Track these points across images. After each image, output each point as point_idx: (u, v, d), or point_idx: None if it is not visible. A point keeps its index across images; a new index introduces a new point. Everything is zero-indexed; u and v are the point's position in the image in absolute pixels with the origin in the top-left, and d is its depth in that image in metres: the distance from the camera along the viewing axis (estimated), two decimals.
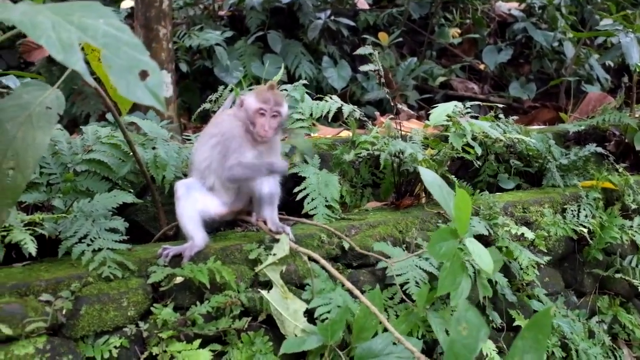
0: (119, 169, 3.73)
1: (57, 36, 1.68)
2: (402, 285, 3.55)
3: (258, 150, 3.41)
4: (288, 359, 3.21)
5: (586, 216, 4.80)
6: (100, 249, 3.08)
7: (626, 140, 5.88)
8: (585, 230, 4.67)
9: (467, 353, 1.72)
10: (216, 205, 3.47)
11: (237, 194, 3.52)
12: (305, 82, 4.75)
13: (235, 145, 3.37)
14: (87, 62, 3.04)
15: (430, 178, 2.90)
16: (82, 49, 2.87)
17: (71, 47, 1.70)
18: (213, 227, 3.84)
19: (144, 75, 1.80)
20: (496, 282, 4.01)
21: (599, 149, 5.28)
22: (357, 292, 3.16)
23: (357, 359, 3.11)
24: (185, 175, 3.73)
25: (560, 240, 4.73)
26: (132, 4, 7.85)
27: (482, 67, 9.74)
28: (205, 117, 5.25)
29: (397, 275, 3.55)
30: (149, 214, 3.99)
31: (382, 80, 4.35)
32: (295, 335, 3.16)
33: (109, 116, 5.84)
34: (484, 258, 2.93)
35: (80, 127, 3.97)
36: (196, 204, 3.39)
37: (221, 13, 9.26)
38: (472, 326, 1.73)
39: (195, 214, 3.37)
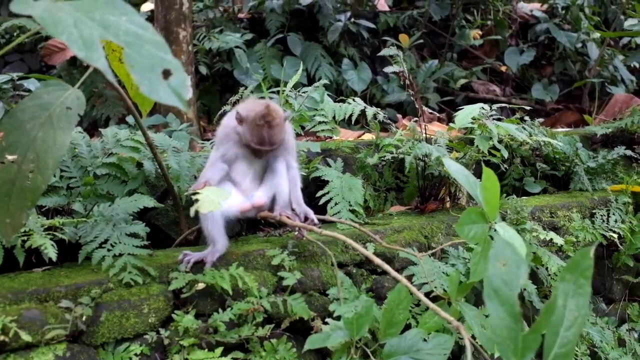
0: (137, 174, 3.67)
1: (79, 33, 1.63)
2: (428, 294, 3.45)
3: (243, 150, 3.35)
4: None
5: (616, 221, 4.69)
6: (120, 255, 3.02)
7: None
8: (615, 235, 4.55)
9: (508, 290, 1.61)
10: (240, 202, 3.38)
11: (259, 183, 3.44)
12: (326, 82, 4.67)
13: (225, 142, 3.36)
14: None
15: (455, 168, 2.79)
16: (103, 49, 2.83)
17: (93, 44, 1.64)
18: (234, 231, 3.79)
19: (166, 74, 1.74)
20: (524, 289, 3.90)
21: (628, 152, 5.16)
22: (386, 266, 2.99)
23: (385, 356, 2.96)
24: None
25: (588, 246, 4.60)
26: (152, 6, 7.84)
27: (503, 69, 9.62)
28: None
29: (423, 284, 3.45)
30: (169, 218, 3.94)
31: (407, 81, 4.26)
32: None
33: (129, 119, 5.82)
34: (516, 242, 2.78)
35: (100, 129, 3.91)
36: None
37: (241, 15, 9.23)
38: (510, 262, 1.63)
39: (217, 216, 3.30)
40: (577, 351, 4.10)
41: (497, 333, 1.59)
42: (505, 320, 1.59)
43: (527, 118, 5.09)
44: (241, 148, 3.33)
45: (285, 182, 3.39)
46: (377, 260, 2.97)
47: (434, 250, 3.67)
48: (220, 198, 2.93)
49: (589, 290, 1.59)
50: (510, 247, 1.67)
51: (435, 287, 3.43)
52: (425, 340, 2.95)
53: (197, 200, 2.91)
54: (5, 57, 8.63)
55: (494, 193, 2.64)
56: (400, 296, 2.97)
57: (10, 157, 2.17)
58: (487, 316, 3.44)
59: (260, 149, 3.21)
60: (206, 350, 2.95)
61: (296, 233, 3.49)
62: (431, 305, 2.67)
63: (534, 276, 4.10)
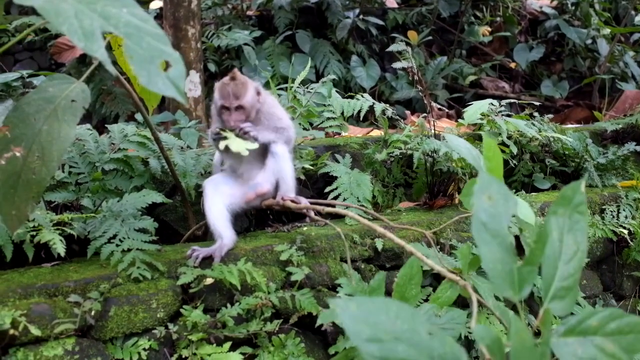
0: (144, 171, 3.69)
1: (80, 24, 1.63)
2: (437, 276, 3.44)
3: None
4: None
5: (626, 217, 4.65)
6: (129, 250, 3.03)
7: None
8: (626, 231, 4.52)
9: (496, 223, 1.56)
10: (243, 192, 3.40)
11: (261, 168, 3.45)
12: (333, 77, 4.66)
13: (214, 122, 3.44)
14: (114, 62, 3.01)
15: (456, 141, 2.75)
16: (109, 44, 2.83)
17: (93, 35, 1.64)
18: (243, 226, 3.79)
19: (166, 66, 1.74)
20: (534, 284, 3.88)
21: (639, 148, 5.12)
22: (398, 240, 2.97)
23: None
24: (210, 174, 3.69)
25: (598, 242, 4.58)
26: (161, 4, 7.85)
27: (513, 65, 9.58)
28: None
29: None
30: (177, 214, 3.94)
31: (416, 78, 4.25)
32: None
33: (137, 116, 5.83)
34: (523, 210, 2.73)
35: (106, 125, 3.93)
36: (224, 198, 3.35)
37: (249, 13, 9.23)
38: (497, 195, 1.57)
39: (223, 210, 3.33)
40: None
41: (490, 267, 1.53)
42: (498, 253, 1.52)
43: (536, 114, 5.06)
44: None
45: (288, 165, 3.40)
46: (391, 236, 2.95)
47: (439, 228, 3.65)
48: (248, 145, 3.11)
49: (586, 227, 1.53)
50: (495, 181, 1.62)
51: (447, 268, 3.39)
52: (438, 315, 2.92)
53: (224, 137, 3.11)
54: (15, 55, 8.67)
55: (497, 163, 2.58)
56: (412, 271, 2.91)
57: (16, 150, 2.17)
58: None
59: (224, 105, 3.25)
60: (214, 345, 2.96)
61: (306, 224, 3.51)
62: (442, 270, 2.60)
63: None
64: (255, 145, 3.18)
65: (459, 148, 2.59)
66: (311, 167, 4.04)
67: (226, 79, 3.31)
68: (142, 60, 1.67)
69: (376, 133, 5.50)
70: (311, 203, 3.45)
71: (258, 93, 3.37)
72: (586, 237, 1.52)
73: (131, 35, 1.70)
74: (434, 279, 3.62)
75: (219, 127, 3.28)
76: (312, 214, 3.44)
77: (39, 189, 2.23)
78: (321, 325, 3.20)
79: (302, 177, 4.00)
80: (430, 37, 8.92)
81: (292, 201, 3.36)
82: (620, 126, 5.69)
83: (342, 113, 4.58)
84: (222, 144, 3.09)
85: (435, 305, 2.88)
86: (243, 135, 3.21)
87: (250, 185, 3.40)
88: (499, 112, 4.38)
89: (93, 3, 1.70)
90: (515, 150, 4.29)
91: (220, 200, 3.35)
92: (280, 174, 3.39)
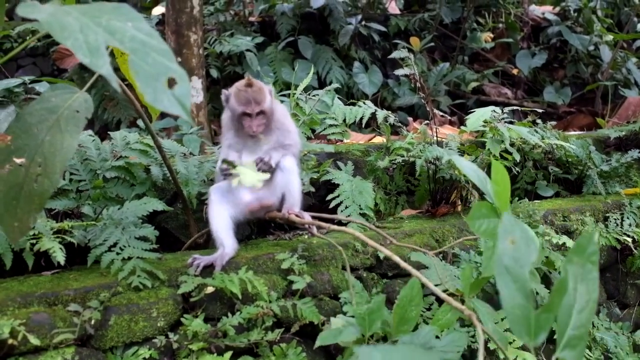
0: (145, 179, 3.68)
1: (85, 39, 1.62)
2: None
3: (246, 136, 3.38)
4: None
5: (630, 225, 4.63)
6: (130, 258, 3.01)
7: None
8: (630, 239, 4.49)
9: (518, 267, 1.60)
10: (248, 202, 3.38)
11: (268, 185, 3.42)
12: (337, 85, 4.65)
13: (227, 132, 3.45)
14: (116, 68, 3.00)
15: (464, 163, 2.75)
16: (112, 52, 2.82)
17: (98, 50, 1.63)
18: (244, 234, 3.78)
19: (171, 83, 1.72)
20: (537, 292, 3.86)
21: None
22: (405, 264, 2.99)
23: None
24: (212, 181, 3.68)
25: (602, 250, 4.56)
26: (163, 10, 7.85)
27: (515, 72, 9.55)
28: None
29: (436, 285, 3.40)
30: (179, 222, 3.93)
31: (418, 84, 4.24)
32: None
33: (140, 122, 5.82)
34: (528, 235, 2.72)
35: (109, 132, 3.92)
36: (228, 207, 3.33)
37: (252, 19, 9.22)
38: (520, 240, 1.61)
39: (227, 219, 3.31)
40: (591, 356, 4.05)
41: (509, 311, 1.57)
42: (517, 299, 1.57)
43: (539, 121, 5.04)
44: (240, 137, 3.36)
45: (296, 179, 3.38)
46: (391, 255, 2.93)
47: (442, 249, 3.63)
48: (260, 177, 3.14)
49: (597, 276, 1.59)
50: (519, 225, 1.65)
51: (447, 290, 3.38)
52: (438, 337, 2.90)
53: (231, 175, 3.14)
54: (18, 60, 8.66)
55: (504, 187, 2.57)
56: (413, 292, 2.91)
57: (18, 161, 2.16)
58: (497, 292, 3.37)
59: (245, 112, 3.22)
60: (215, 354, 2.93)
61: (307, 235, 3.50)
62: (444, 296, 2.60)
63: (546, 280, 4.05)
64: (267, 176, 3.22)
65: (466, 170, 2.60)
66: (315, 177, 4.03)
67: (240, 85, 3.28)
68: (147, 77, 1.65)
69: (378, 140, 5.49)
70: (314, 217, 3.43)
71: (268, 91, 3.36)
72: (597, 288, 1.59)
73: (136, 51, 1.68)
74: None
75: (226, 161, 3.26)
76: (314, 230, 3.43)
77: (41, 200, 2.21)
78: None
79: (312, 189, 3.97)
80: (432, 44, 8.90)
81: (297, 216, 3.34)
82: (624, 133, 5.66)
83: (344, 120, 4.57)
84: (234, 181, 3.12)
85: (435, 328, 2.87)
86: (263, 167, 3.23)
87: (255, 196, 3.37)
88: (501, 119, 4.36)
89: (98, 17, 1.69)
90: (518, 157, 4.27)
91: (225, 209, 3.33)
92: (287, 188, 3.36)
